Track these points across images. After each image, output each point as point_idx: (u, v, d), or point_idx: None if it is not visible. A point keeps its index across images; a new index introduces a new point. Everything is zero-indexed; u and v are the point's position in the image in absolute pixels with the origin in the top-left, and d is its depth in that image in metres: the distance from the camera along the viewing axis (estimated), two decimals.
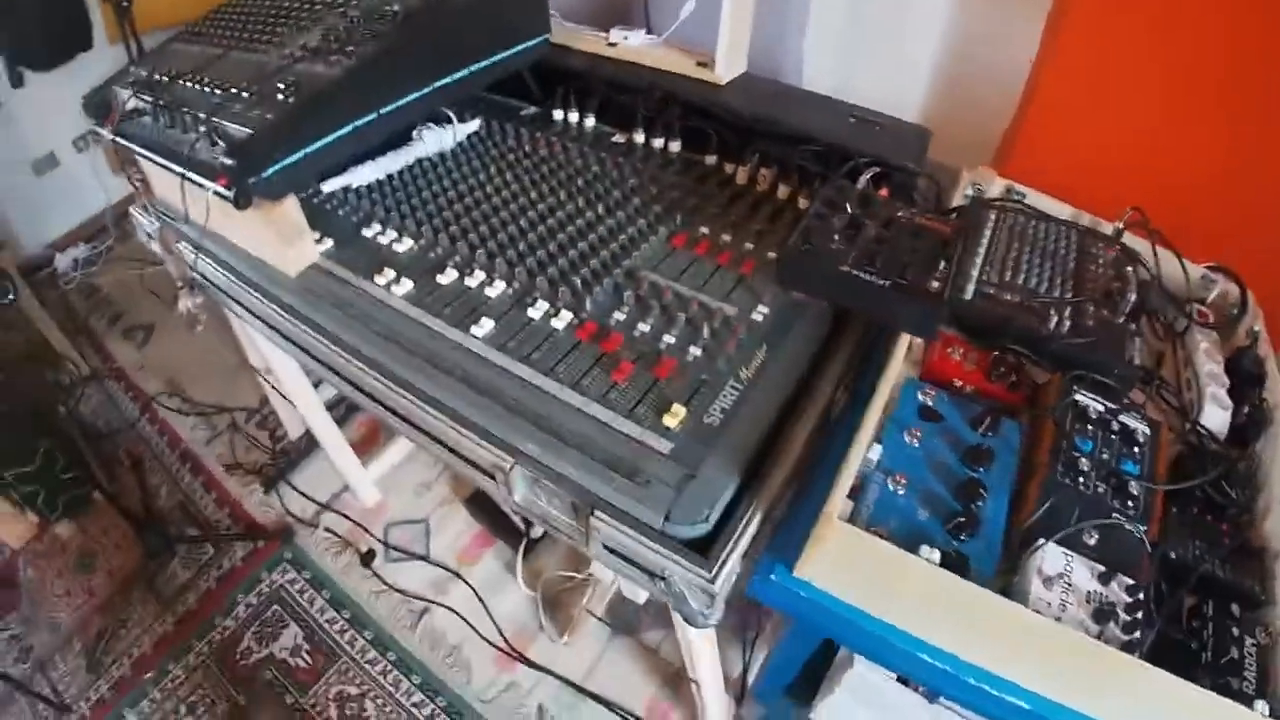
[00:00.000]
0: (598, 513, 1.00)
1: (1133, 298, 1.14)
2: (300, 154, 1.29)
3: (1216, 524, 0.99)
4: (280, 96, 1.29)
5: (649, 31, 1.75)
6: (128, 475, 2.50)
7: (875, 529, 0.95)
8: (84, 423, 2.67)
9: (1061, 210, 1.42)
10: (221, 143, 1.25)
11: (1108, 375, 1.08)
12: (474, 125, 1.66)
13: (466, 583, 2.13)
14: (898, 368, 1.12)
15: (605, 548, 1.03)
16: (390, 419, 1.23)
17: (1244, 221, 1.45)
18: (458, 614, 2.07)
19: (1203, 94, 1.42)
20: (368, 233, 1.42)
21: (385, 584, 2.16)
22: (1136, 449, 1.02)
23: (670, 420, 1.06)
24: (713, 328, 1.19)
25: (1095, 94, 1.50)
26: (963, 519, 0.95)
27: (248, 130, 1.25)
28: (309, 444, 2.44)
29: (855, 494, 0.99)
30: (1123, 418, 1.04)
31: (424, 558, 2.22)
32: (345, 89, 1.31)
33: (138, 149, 1.42)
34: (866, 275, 1.14)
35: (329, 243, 1.40)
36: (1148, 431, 1.04)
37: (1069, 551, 0.92)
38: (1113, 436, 1.03)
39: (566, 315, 1.23)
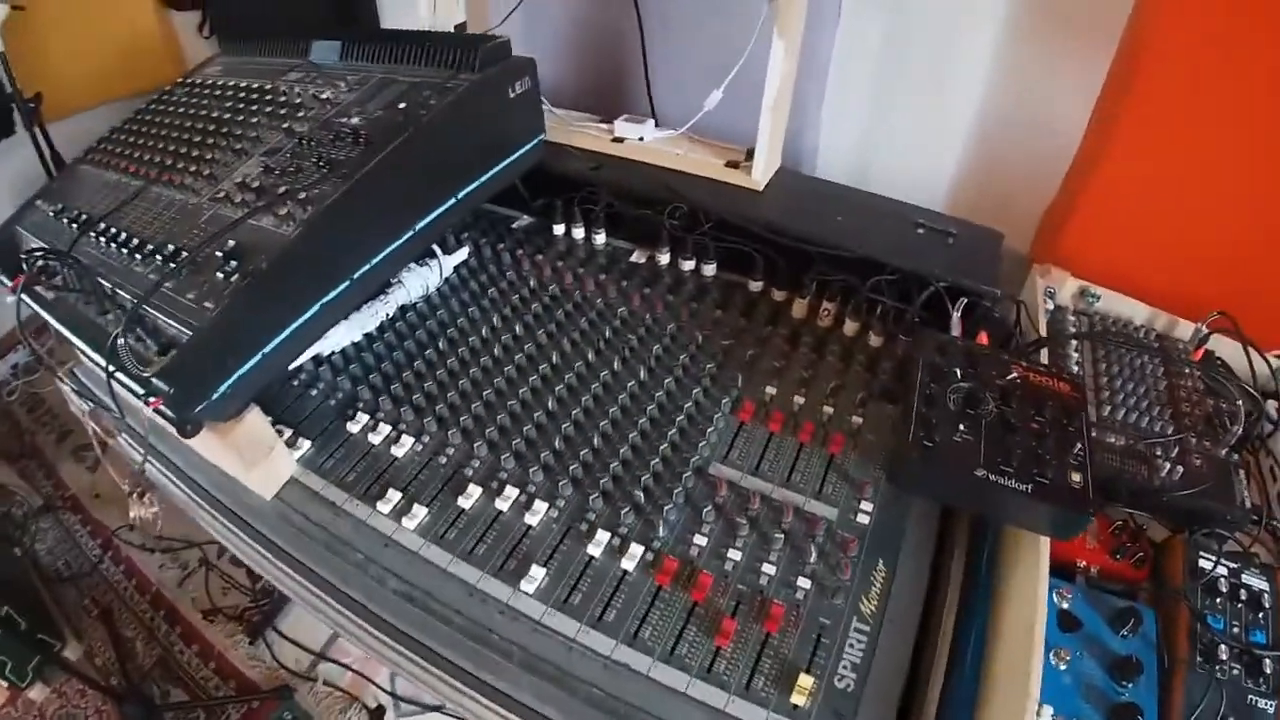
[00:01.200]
0: None
1: (1239, 429, 1.12)
2: (256, 358, 1.04)
3: None
4: (221, 274, 1.04)
5: (657, 124, 1.46)
6: (97, 627, 2.22)
7: None
8: (42, 566, 2.38)
9: (1137, 311, 1.34)
10: (152, 344, 1.02)
11: (1220, 525, 1.04)
12: (462, 254, 1.41)
13: None
14: (1043, 583, 0.93)
15: None
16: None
17: None
18: None
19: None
20: (354, 427, 1.16)
21: None
22: (1262, 614, 0.95)
23: (799, 697, 0.85)
24: (817, 543, 0.98)
25: (1159, 173, 1.35)
26: None
27: (185, 329, 1.00)
28: None
29: None
30: (1245, 577, 0.98)
31: (439, 708, 1.95)
32: (306, 255, 1.06)
33: (54, 323, 1.18)
34: (1004, 480, 0.96)
35: (305, 445, 1.14)
36: (1266, 588, 0.97)
37: None
38: (1240, 605, 0.96)
39: (636, 550, 0.98)
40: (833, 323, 1.28)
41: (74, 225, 1.25)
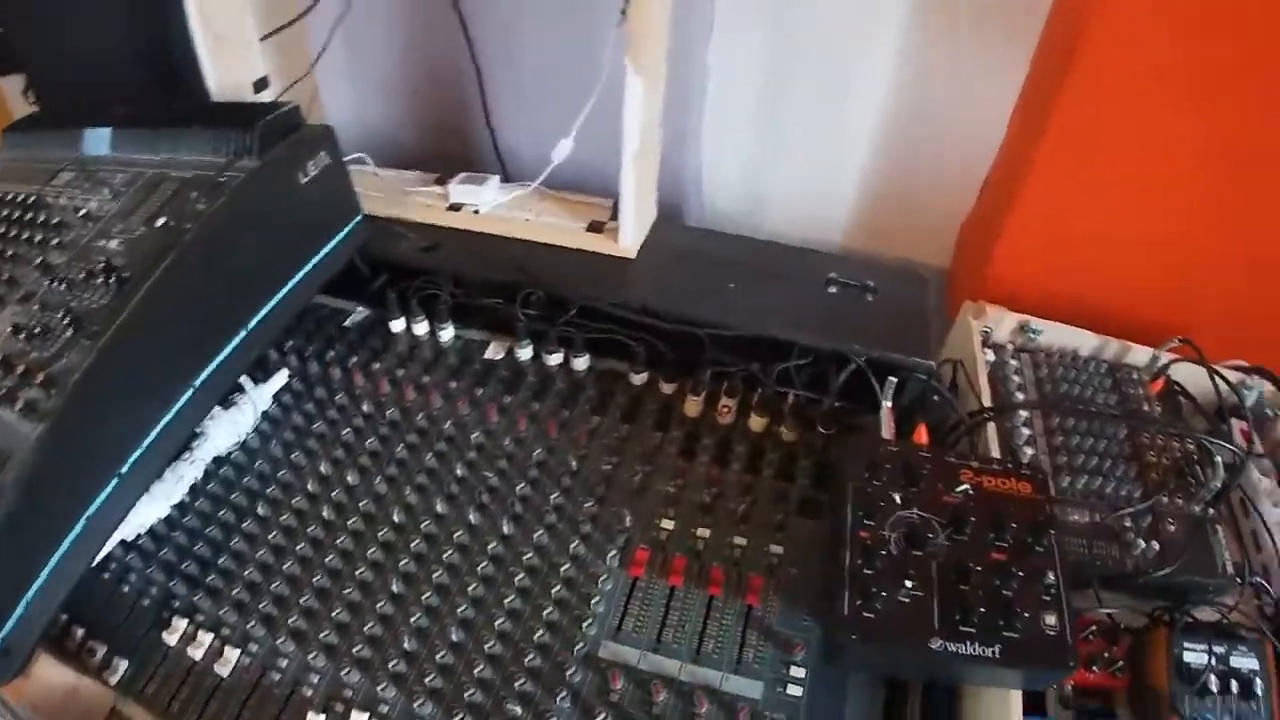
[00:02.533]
0: None
1: (1217, 484, 1.01)
2: (18, 610, 0.81)
3: None
4: None
5: (505, 178, 1.21)
6: None
7: None
8: None
9: (1084, 340, 1.22)
10: None
11: (1202, 598, 0.95)
12: (278, 381, 1.14)
13: None
14: None
15: None
16: None
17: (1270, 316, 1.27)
18: None
19: (1236, 175, 1.17)
20: (171, 637, 0.92)
21: None
22: (1253, 702, 0.88)
23: None
24: None
25: (1092, 183, 1.22)
26: None
27: None
28: None
29: None
30: (1233, 659, 0.89)
31: None
32: (56, 459, 0.82)
33: None
34: (966, 647, 0.78)
35: (122, 666, 0.90)
36: (1256, 667, 0.89)
37: None
38: (1230, 695, 0.88)
39: None
40: (735, 419, 1.07)
41: None
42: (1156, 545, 0.97)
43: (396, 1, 1.40)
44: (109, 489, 0.87)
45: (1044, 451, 1.06)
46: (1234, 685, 0.88)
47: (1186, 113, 1.10)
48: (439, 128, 1.53)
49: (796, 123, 1.42)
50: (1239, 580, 0.97)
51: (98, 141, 1.22)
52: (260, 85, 1.30)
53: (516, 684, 0.83)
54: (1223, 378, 1.14)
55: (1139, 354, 1.21)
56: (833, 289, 1.13)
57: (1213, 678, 0.87)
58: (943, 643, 0.78)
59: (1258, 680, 0.88)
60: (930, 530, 0.85)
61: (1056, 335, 1.22)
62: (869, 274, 1.16)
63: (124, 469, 0.88)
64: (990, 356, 1.16)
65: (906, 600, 0.80)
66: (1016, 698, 0.79)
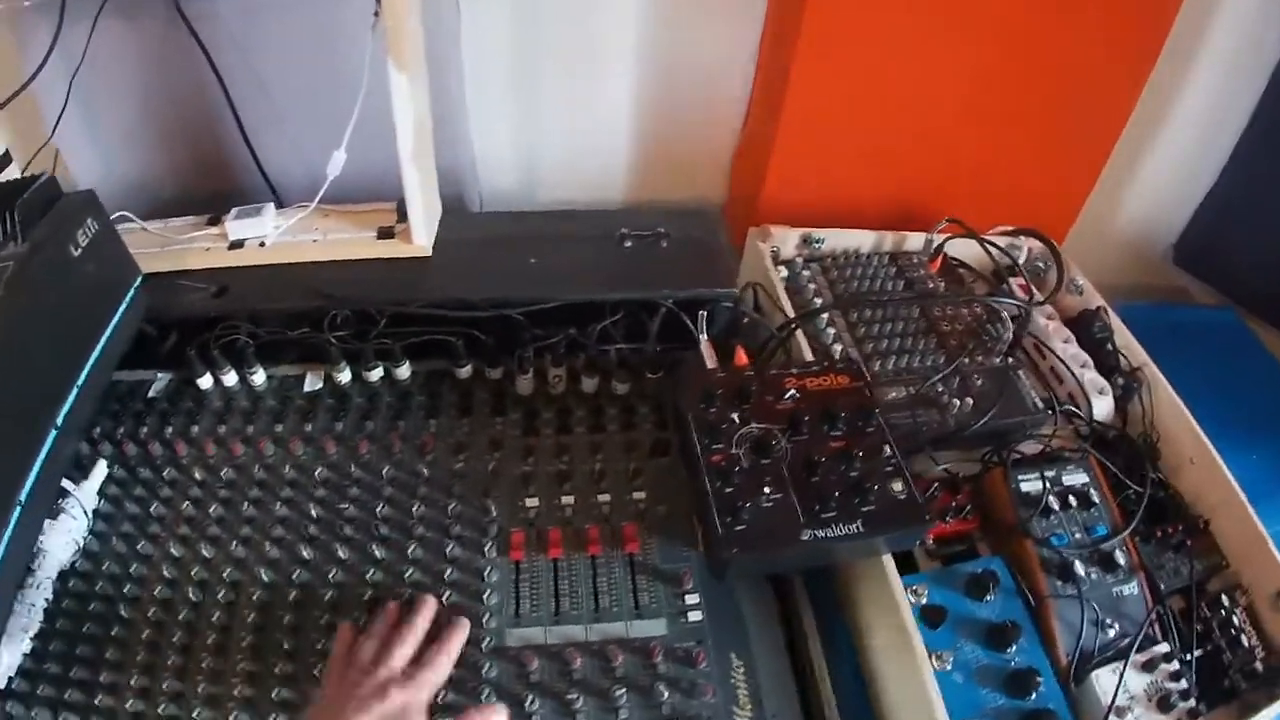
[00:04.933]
0: None
1: (1009, 335, 1.16)
2: None
3: (1167, 528, 1.02)
4: None
5: (280, 204, 1.19)
6: None
7: None
8: None
9: (863, 239, 1.35)
10: None
11: (1023, 435, 1.08)
12: (100, 474, 1.07)
13: None
14: (900, 598, 0.89)
15: None
16: None
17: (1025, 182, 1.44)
18: None
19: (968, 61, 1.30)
20: None
21: None
22: (1093, 509, 1.00)
23: None
24: (662, 674, 0.86)
25: (846, 91, 1.32)
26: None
27: None
28: None
29: None
30: (1065, 478, 1.01)
31: None
32: None
33: None
34: (833, 530, 0.87)
35: None
36: (1087, 479, 1.02)
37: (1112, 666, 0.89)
38: (1072, 509, 1.00)
39: None
40: (567, 386, 1.12)
41: None
42: (970, 401, 1.09)
43: (131, 43, 1.31)
44: None
45: (851, 345, 1.16)
46: (1072, 500, 0.99)
47: (924, 12, 1.21)
48: (200, 167, 1.46)
49: (556, 91, 1.45)
50: (1050, 411, 1.10)
51: None
52: (3, 162, 1.22)
53: (440, 698, 0.84)
54: (993, 244, 1.27)
55: (915, 240, 1.33)
56: (628, 243, 1.18)
57: (1052, 499, 0.98)
58: (811, 531, 0.86)
59: (1092, 490, 1.00)
60: (772, 438, 0.92)
61: (838, 240, 1.33)
62: (657, 221, 1.21)
63: None
64: (784, 273, 1.26)
65: (769, 505, 0.88)
66: (889, 562, 0.89)
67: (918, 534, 0.95)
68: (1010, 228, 1.31)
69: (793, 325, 1.11)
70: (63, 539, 1.00)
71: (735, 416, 0.94)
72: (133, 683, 0.90)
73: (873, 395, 0.97)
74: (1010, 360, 1.15)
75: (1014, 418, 1.09)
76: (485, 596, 0.92)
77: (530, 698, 0.84)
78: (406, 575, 0.94)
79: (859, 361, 1.06)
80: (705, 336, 1.05)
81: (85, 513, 1.03)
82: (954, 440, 1.07)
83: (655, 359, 1.09)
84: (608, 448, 1.03)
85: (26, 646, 0.94)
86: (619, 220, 1.21)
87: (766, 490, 0.88)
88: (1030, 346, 1.23)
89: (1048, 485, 1.00)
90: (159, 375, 1.19)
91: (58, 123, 1.25)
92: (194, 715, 0.87)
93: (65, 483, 1.02)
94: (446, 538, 0.97)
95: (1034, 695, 0.85)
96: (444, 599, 0.92)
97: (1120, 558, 0.96)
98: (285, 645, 0.90)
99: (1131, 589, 0.95)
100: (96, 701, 0.89)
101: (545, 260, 1.15)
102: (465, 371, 1.13)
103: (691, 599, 0.90)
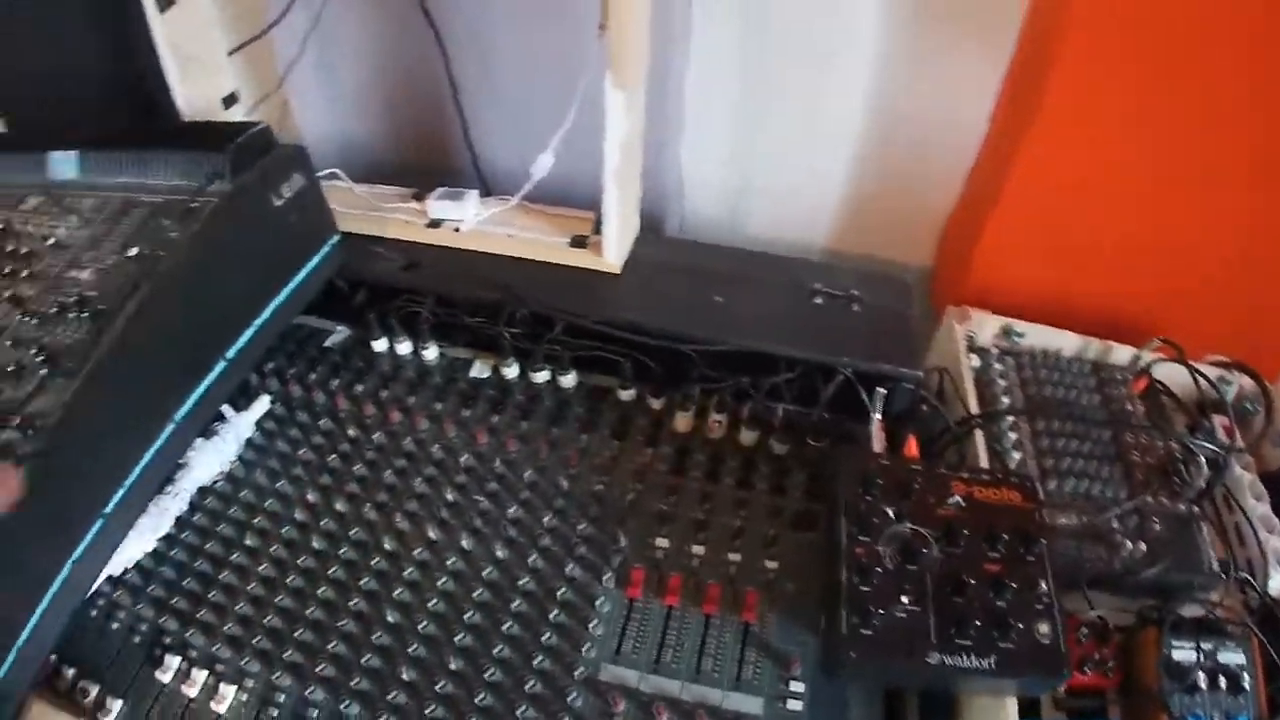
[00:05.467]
0: None
1: (1202, 482, 1.03)
2: (12, 656, 0.80)
3: None
4: None
5: (485, 192, 1.21)
6: None
7: None
8: None
9: (1066, 342, 1.24)
10: None
11: (1189, 595, 0.97)
12: (260, 408, 1.14)
13: None
14: None
15: None
16: None
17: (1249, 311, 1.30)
18: None
19: (1219, 171, 1.18)
20: (164, 674, 0.91)
21: None
22: (1241, 696, 0.89)
23: None
24: None
25: (1073, 183, 1.23)
26: None
27: None
28: None
29: None
30: (1221, 655, 0.90)
31: None
32: (35, 509, 0.80)
33: None
34: (963, 660, 0.80)
35: (116, 706, 0.89)
36: (1243, 661, 0.90)
37: None
38: (1219, 691, 0.89)
39: None
40: (725, 433, 1.08)
41: None
42: (1143, 545, 0.99)
43: (368, 13, 1.39)
44: (94, 531, 0.87)
45: (1031, 455, 1.07)
46: (1222, 681, 0.89)
47: (1168, 112, 1.12)
48: (415, 141, 1.52)
49: (775, 127, 1.42)
50: (1224, 576, 0.99)
51: (65, 165, 1.19)
52: (229, 101, 1.29)
53: (519, 711, 0.83)
54: (1203, 375, 1.17)
55: (1121, 353, 1.23)
56: (818, 299, 1.15)
57: (1201, 674, 0.89)
58: (940, 656, 0.80)
59: (1245, 675, 0.90)
60: (924, 544, 0.87)
61: (1040, 337, 1.24)
62: (853, 282, 1.17)
63: (108, 509, 0.88)
64: (975, 362, 1.18)
65: (903, 615, 0.82)
66: (1012, 703, 0.83)
67: (1053, 685, 0.88)
68: (1224, 358, 1.21)
69: (973, 423, 1.06)
70: (211, 458, 1.06)
71: (891, 511, 0.89)
72: (237, 608, 0.95)
73: (1042, 523, 0.91)
74: (1196, 510, 1.05)
75: (1185, 574, 1.00)
76: (591, 625, 0.90)
77: None
78: (520, 582, 0.94)
79: (1035, 480, 0.99)
80: (879, 417, 1.01)
81: (238, 440, 1.09)
82: (1115, 584, 0.99)
83: (820, 427, 1.05)
84: (752, 507, 1.00)
85: (150, 545, 1.00)
86: (813, 273, 1.18)
87: (904, 599, 0.83)
88: (1219, 497, 1.12)
89: (1201, 658, 0.91)
90: (338, 328, 1.25)
91: (286, 73, 1.31)
92: (285, 656, 0.90)
93: (226, 408, 1.08)
94: (569, 556, 0.96)
95: None
96: (550, 617, 0.92)
97: None
98: (388, 618, 0.92)
99: None
100: (199, 615, 0.95)
101: (731, 301, 1.13)
102: (627, 395, 1.12)
103: (796, 687, 0.86)
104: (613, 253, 1.18)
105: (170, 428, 0.94)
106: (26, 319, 0.96)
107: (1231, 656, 0.92)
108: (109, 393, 0.87)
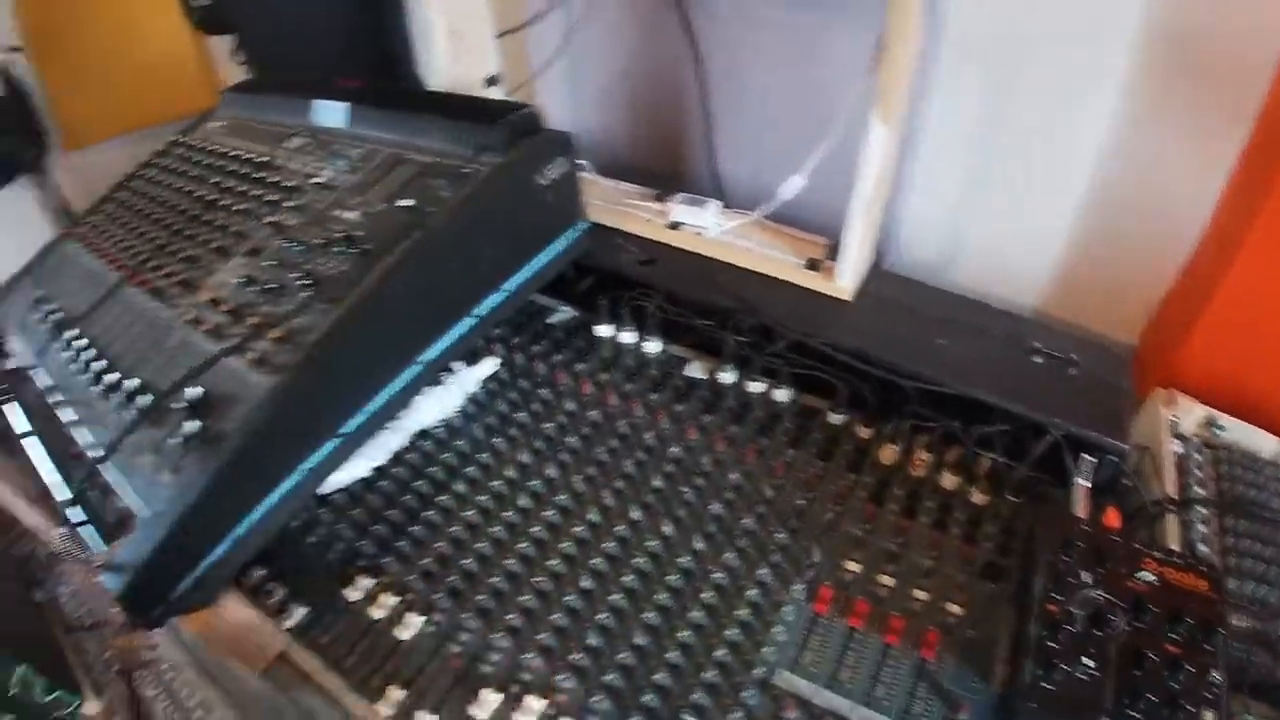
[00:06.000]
0: None
1: None
2: (223, 546, 0.91)
3: None
4: (181, 437, 0.90)
5: (725, 204, 1.27)
6: (118, 683, 2.07)
7: None
8: (63, 613, 2.23)
9: (1268, 444, 1.20)
10: (108, 509, 0.93)
11: None
12: (488, 367, 1.24)
13: None
14: None
15: None
16: None
17: None
18: None
19: None
20: (353, 594, 1.00)
21: None
22: None
23: None
24: None
25: None
26: None
27: (137, 507, 0.89)
28: None
29: None
30: None
31: None
32: (283, 414, 0.91)
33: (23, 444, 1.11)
34: None
35: (300, 612, 0.98)
36: None
37: None
38: None
39: None
40: (928, 473, 1.10)
41: (47, 323, 1.17)
42: None
43: (626, 17, 1.46)
44: (329, 447, 0.97)
45: (1216, 549, 1.07)
46: None
47: None
48: (655, 143, 1.59)
49: (1003, 180, 1.42)
50: None
51: (332, 114, 1.31)
52: (491, 82, 1.38)
53: (692, 696, 0.88)
54: None
55: None
56: (1036, 358, 1.15)
57: None
58: None
59: None
60: (1113, 613, 0.88)
61: (1241, 434, 1.22)
62: (1071, 347, 1.18)
63: (345, 429, 0.98)
64: (1176, 447, 1.17)
65: (1084, 678, 0.83)
66: None
67: None
68: None
69: (1169, 507, 1.06)
70: (435, 405, 1.15)
71: (1086, 575, 0.91)
72: (437, 546, 1.02)
73: (1224, 615, 0.91)
74: None
75: None
76: (774, 629, 0.94)
77: None
78: (713, 575, 0.99)
79: (1222, 574, 1.00)
80: (1086, 483, 1.02)
81: (463, 393, 1.18)
82: (1273, 695, 0.96)
83: (1022, 483, 1.07)
84: (944, 549, 1.02)
85: (364, 473, 1.09)
86: (1032, 331, 1.19)
87: (1086, 661, 0.85)
88: None
89: None
90: (563, 308, 1.33)
91: (548, 64, 1.40)
92: (477, 598, 0.97)
93: (457, 364, 1.17)
94: (764, 561, 1.00)
95: None
96: (736, 614, 0.95)
97: None
98: (582, 582, 0.98)
99: None
100: (397, 544, 1.03)
101: (952, 345, 1.15)
102: (838, 419, 1.15)
103: None
104: (846, 280, 1.22)
105: (414, 369, 1.03)
106: (291, 245, 1.07)
107: None
108: (367, 324, 0.97)
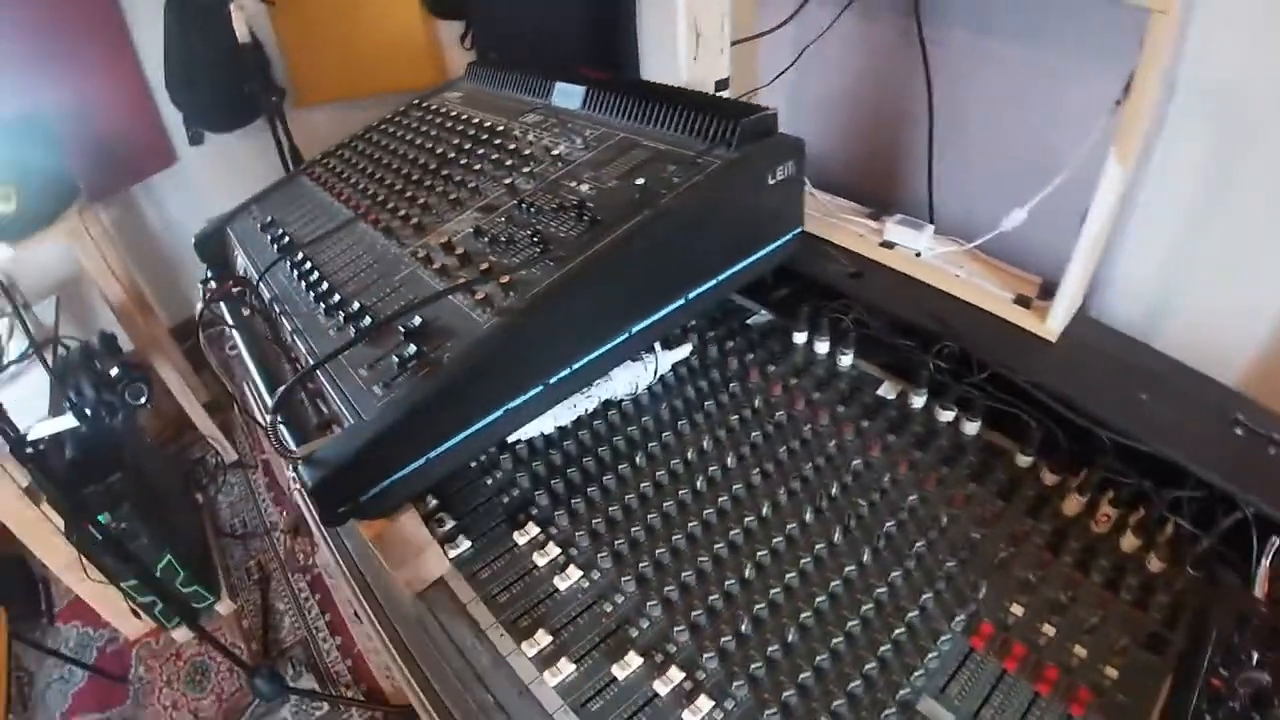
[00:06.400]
0: None
1: None
2: (417, 464, 0.98)
3: None
4: (397, 358, 0.99)
5: (938, 231, 1.27)
6: (253, 591, 2.27)
7: None
8: (218, 519, 2.45)
9: None
10: (313, 412, 1.03)
11: None
12: (683, 351, 1.29)
13: None
14: None
15: None
16: None
17: None
18: None
19: None
20: (521, 538, 1.08)
21: None
22: None
23: None
24: None
25: None
26: None
27: (345, 413, 0.97)
28: None
29: None
30: None
31: None
32: (497, 353, 0.98)
33: (237, 342, 1.26)
34: None
35: (465, 544, 1.08)
36: None
37: None
38: None
39: None
40: (1109, 530, 1.08)
41: (275, 246, 1.29)
42: None
43: (862, 39, 1.47)
44: (532, 393, 1.03)
45: None
46: None
47: None
48: (868, 163, 1.60)
49: (1219, 249, 1.35)
50: None
51: (569, 96, 1.40)
52: (721, 85, 1.43)
53: (833, 704, 0.89)
54: None
55: None
56: (1238, 429, 1.10)
57: None
58: None
59: None
60: (1273, 700, 0.85)
61: None
62: (1275, 426, 1.11)
63: (551, 380, 1.04)
64: None
65: None
66: None
67: None
68: None
69: None
70: (628, 378, 1.21)
71: (1255, 655, 0.88)
72: (609, 509, 1.09)
73: None
74: None
75: None
76: (928, 656, 0.94)
77: None
78: (876, 590, 1.00)
79: None
80: (1268, 561, 0.98)
81: (655, 372, 1.23)
82: None
83: (1202, 557, 1.02)
84: (1111, 611, 0.99)
85: (548, 428, 1.18)
86: (1237, 404, 1.13)
87: None
88: None
89: None
90: (762, 310, 1.37)
91: (781, 72, 1.47)
92: (639, 565, 1.03)
93: (656, 344, 1.22)
94: (929, 587, 1.00)
95: None
96: (892, 633, 0.96)
97: None
98: (744, 571, 1.02)
99: None
100: (572, 503, 1.10)
101: (1155, 402, 1.12)
102: (1024, 460, 1.14)
103: None
104: (1056, 320, 1.20)
105: (622, 338, 1.09)
106: (522, 206, 1.14)
107: None
108: (590, 286, 1.03)
